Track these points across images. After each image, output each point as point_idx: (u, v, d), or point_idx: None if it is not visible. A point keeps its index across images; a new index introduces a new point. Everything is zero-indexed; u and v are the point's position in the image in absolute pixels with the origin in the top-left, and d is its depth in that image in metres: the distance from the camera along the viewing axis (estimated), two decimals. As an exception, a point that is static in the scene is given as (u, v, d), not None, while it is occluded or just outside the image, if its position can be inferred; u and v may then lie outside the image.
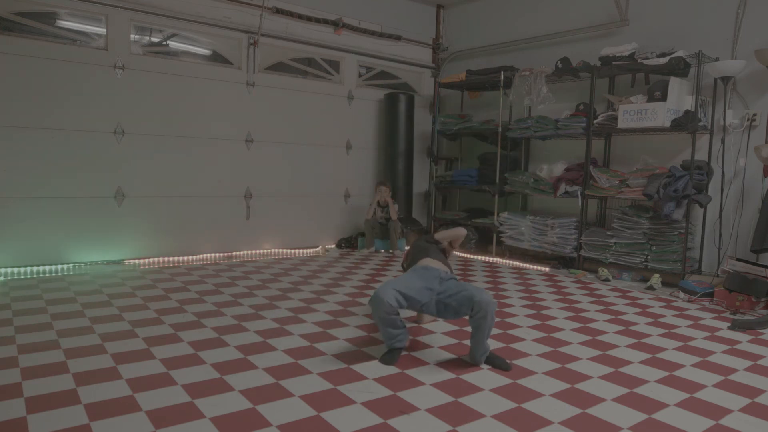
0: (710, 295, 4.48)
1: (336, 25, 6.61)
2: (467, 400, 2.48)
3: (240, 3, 5.90)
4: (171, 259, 5.60)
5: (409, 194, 7.21)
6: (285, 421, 2.24)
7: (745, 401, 2.57)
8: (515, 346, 3.25)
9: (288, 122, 6.39)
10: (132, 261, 5.40)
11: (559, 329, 3.61)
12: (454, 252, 3.74)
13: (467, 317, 2.90)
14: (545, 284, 5.01)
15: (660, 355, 3.17)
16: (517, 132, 6.15)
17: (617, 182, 5.28)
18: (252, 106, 6.10)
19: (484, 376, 2.77)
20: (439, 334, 3.43)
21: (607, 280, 5.19)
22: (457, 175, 6.86)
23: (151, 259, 5.49)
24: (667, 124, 4.84)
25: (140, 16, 5.33)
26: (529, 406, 2.45)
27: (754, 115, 4.80)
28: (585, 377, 2.79)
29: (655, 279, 4.93)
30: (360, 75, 7.08)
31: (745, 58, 4.75)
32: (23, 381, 2.53)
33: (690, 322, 3.89)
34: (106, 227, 5.26)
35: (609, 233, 5.34)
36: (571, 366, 2.95)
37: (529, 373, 2.83)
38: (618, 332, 3.58)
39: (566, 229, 5.72)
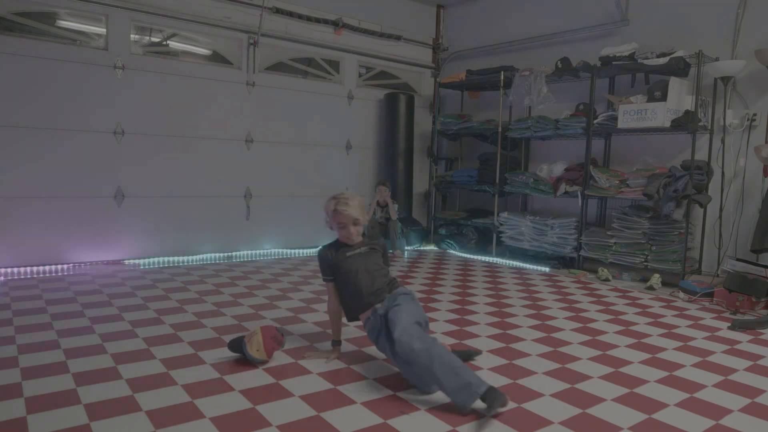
0: (710, 295, 4.48)
1: (336, 25, 6.61)
2: (467, 400, 2.48)
3: (240, 3, 5.90)
4: (171, 259, 5.60)
5: (409, 194, 7.22)
6: (285, 421, 2.24)
7: (745, 401, 2.57)
8: (515, 346, 3.25)
9: (288, 122, 6.39)
10: (132, 261, 5.40)
11: (559, 329, 3.61)
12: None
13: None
14: (545, 284, 5.01)
15: (660, 355, 3.17)
16: (517, 132, 6.15)
17: (617, 182, 5.28)
18: (252, 106, 6.10)
19: (484, 376, 2.76)
20: (439, 334, 3.43)
21: (607, 280, 5.19)
22: (457, 175, 6.86)
23: (151, 259, 5.49)
24: (667, 124, 4.84)
25: (140, 16, 5.33)
26: (529, 406, 2.45)
27: (754, 115, 4.80)
28: (585, 377, 2.79)
29: (655, 279, 4.93)
30: (360, 75, 7.08)
31: (745, 58, 4.75)
32: (23, 381, 2.53)
33: (690, 322, 3.89)
34: (106, 227, 5.26)
35: (609, 233, 5.34)
36: (571, 366, 2.95)
37: (529, 373, 2.83)
38: (618, 332, 3.58)
39: (566, 229, 5.72)
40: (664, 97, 4.86)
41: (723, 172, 4.91)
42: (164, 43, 5.67)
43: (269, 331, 2.83)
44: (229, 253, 6.00)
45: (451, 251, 6.77)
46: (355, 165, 7.05)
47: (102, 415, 2.23)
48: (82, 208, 5.13)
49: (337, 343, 2.99)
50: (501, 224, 6.30)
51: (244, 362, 2.85)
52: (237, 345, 2.84)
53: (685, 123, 4.78)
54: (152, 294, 4.20)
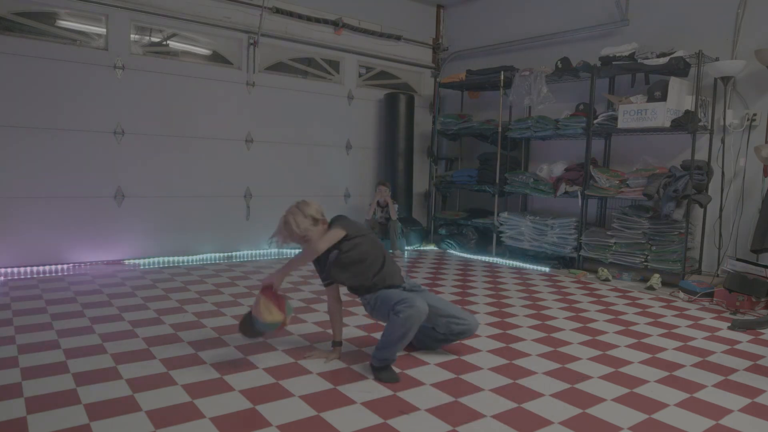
0: (710, 295, 4.48)
1: (336, 25, 6.61)
2: (467, 400, 2.48)
3: (240, 3, 5.90)
4: (171, 259, 5.60)
5: (409, 194, 7.21)
6: (285, 421, 2.24)
7: (745, 401, 2.57)
8: (515, 346, 3.25)
9: (288, 122, 6.39)
10: (132, 261, 5.40)
11: (559, 329, 3.61)
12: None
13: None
14: (545, 284, 5.01)
15: (660, 355, 3.17)
16: (517, 132, 6.15)
17: (617, 182, 5.28)
18: (252, 106, 6.10)
19: (484, 376, 2.77)
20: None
21: (607, 280, 5.18)
22: (457, 175, 6.86)
23: (151, 259, 5.49)
24: (667, 124, 4.84)
25: (140, 16, 5.33)
26: (529, 406, 2.45)
27: (754, 115, 4.80)
28: (585, 377, 2.79)
29: (655, 279, 4.93)
30: (360, 75, 7.08)
31: (745, 58, 4.75)
32: (23, 381, 2.53)
33: (690, 322, 3.89)
34: (106, 227, 5.26)
35: (609, 233, 5.34)
36: (571, 366, 2.95)
37: (529, 372, 2.83)
38: (618, 332, 3.58)
39: (566, 229, 5.72)
40: (664, 97, 4.86)
41: (723, 172, 4.91)
42: (164, 43, 5.67)
43: (269, 292, 2.70)
44: (229, 253, 6.00)
45: (451, 251, 6.77)
46: (355, 165, 7.05)
47: (102, 415, 2.23)
48: (82, 208, 5.13)
49: (337, 343, 2.99)
50: (501, 224, 6.30)
51: (244, 362, 2.85)
52: (248, 324, 2.71)
53: (685, 123, 4.78)
54: (152, 294, 4.20)
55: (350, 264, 2.84)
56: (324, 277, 2.95)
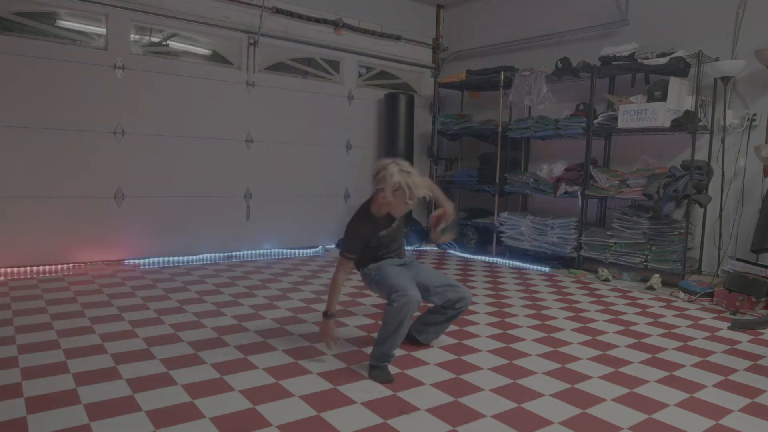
0: (710, 295, 4.48)
1: (336, 25, 6.61)
2: (467, 400, 2.48)
3: (240, 3, 5.90)
4: (171, 259, 5.60)
5: (409, 194, 7.20)
6: (285, 421, 2.24)
7: (745, 401, 2.57)
8: (515, 346, 3.25)
9: (288, 122, 6.38)
10: (132, 261, 5.40)
11: (559, 329, 3.61)
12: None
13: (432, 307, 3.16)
14: (545, 284, 5.01)
15: (660, 355, 3.17)
16: (517, 132, 6.15)
17: (617, 182, 5.28)
18: (252, 106, 6.10)
19: (484, 376, 2.77)
20: (439, 334, 3.43)
21: (607, 280, 5.19)
22: (457, 175, 6.86)
23: (151, 259, 5.49)
24: (667, 124, 4.84)
25: (140, 16, 5.32)
26: (529, 406, 2.45)
27: (754, 115, 4.80)
28: (585, 377, 2.80)
29: (655, 279, 4.93)
30: (360, 75, 7.08)
31: (745, 58, 4.75)
32: (23, 381, 2.53)
33: (690, 322, 3.89)
34: (106, 227, 5.26)
35: (609, 233, 5.34)
36: (571, 366, 2.95)
37: (529, 373, 2.83)
38: (618, 332, 3.59)
39: (566, 229, 5.72)
40: (664, 97, 4.86)
41: (723, 172, 4.91)
42: (164, 43, 5.67)
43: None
44: (229, 253, 6.00)
45: (451, 251, 6.77)
46: (355, 165, 7.05)
47: (102, 415, 2.23)
48: (82, 208, 5.12)
49: (331, 315, 2.86)
50: (501, 224, 6.30)
51: (244, 362, 2.85)
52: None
53: (685, 123, 4.78)
54: (152, 294, 4.20)
55: (401, 228, 3.13)
56: (355, 250, 2.91)
